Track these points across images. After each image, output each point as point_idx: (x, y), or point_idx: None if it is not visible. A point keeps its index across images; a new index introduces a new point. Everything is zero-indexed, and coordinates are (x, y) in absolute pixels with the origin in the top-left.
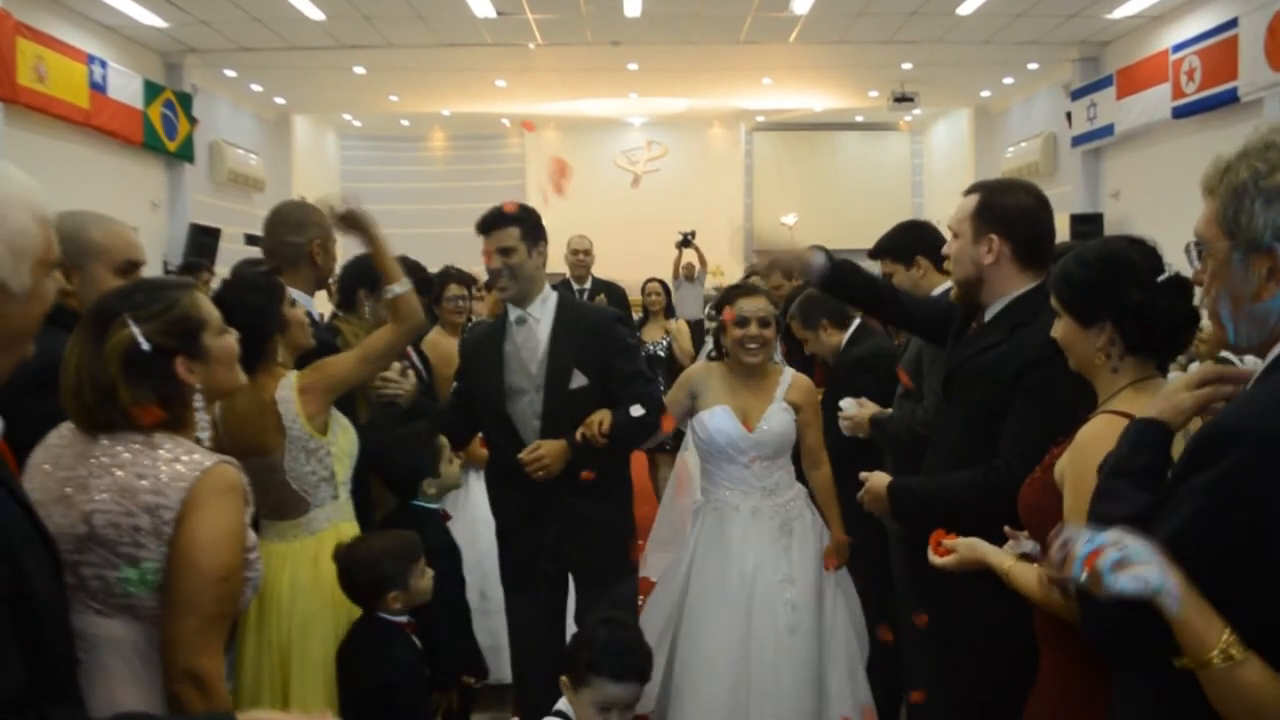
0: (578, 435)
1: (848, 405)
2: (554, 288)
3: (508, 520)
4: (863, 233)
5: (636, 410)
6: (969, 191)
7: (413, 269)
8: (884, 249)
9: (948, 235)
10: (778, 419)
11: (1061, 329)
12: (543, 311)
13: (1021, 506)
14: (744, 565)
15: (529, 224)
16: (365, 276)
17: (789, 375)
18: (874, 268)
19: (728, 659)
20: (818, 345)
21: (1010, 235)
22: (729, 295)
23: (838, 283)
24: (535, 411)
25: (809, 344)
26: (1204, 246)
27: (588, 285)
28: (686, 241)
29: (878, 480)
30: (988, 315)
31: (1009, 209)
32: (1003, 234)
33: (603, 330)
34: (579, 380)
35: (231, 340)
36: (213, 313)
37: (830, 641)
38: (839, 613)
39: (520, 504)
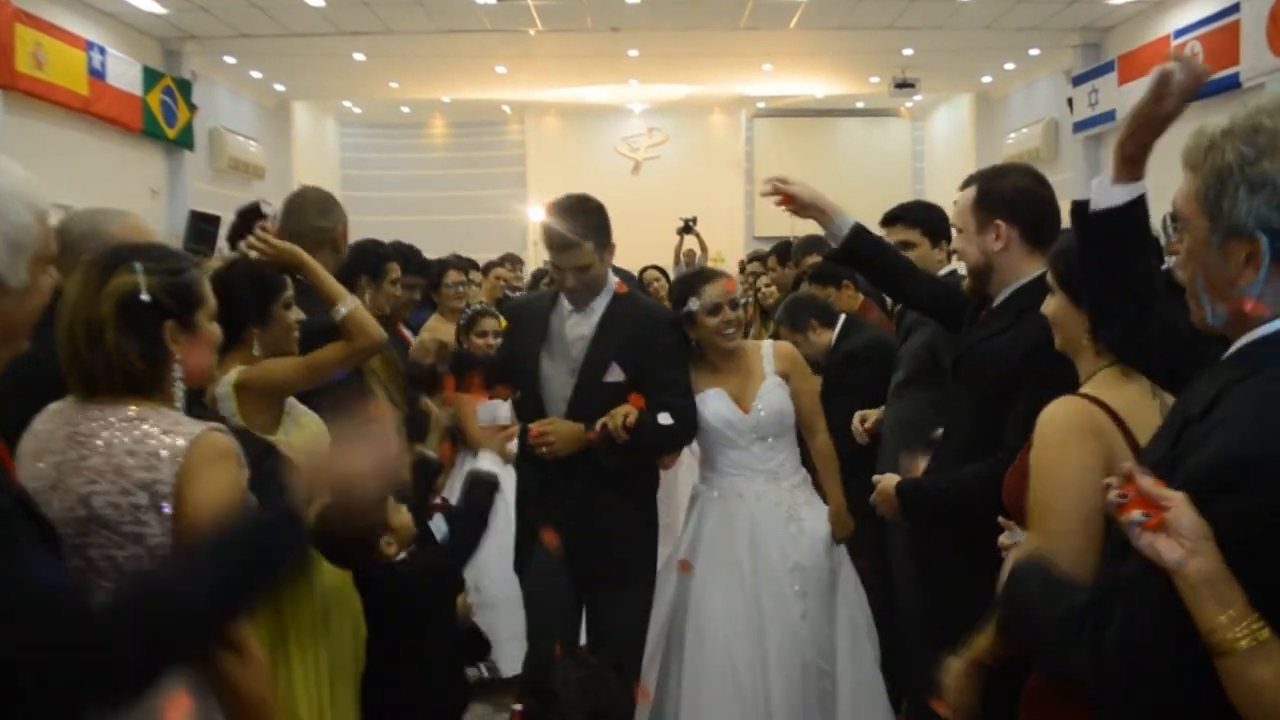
0: (598, 425)
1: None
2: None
3: (519, 500)
4: (864, 218)
5: (664, 418)
6: (965, 185)
7: (407, 252)
8: (915, 220)
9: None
10: (773, 395)
11: (1054, 304)
12: (599, 301)
13: (1005, 493)
14: (753, 552)
15: (599, 228)
16: (366, 263)
17: (768, 345)
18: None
19: (744, 649)
20: (809, 347)
21: (1015, 218)
22: (690, 286)
23: (854, 250)
24: (564, 397)
25: (800, 347)
26: (1181, 222)
27: None
28: (688, 228)
29: (887, 482)
30: (995, 302)
31: (1008, 192)
32: (1008, 218)
33: (650, 330)
34: (615, 375)
35: (217, 331)
36: (212, 298)
37: (839, 630)
38: (845, 601)
39: (530, 482)
